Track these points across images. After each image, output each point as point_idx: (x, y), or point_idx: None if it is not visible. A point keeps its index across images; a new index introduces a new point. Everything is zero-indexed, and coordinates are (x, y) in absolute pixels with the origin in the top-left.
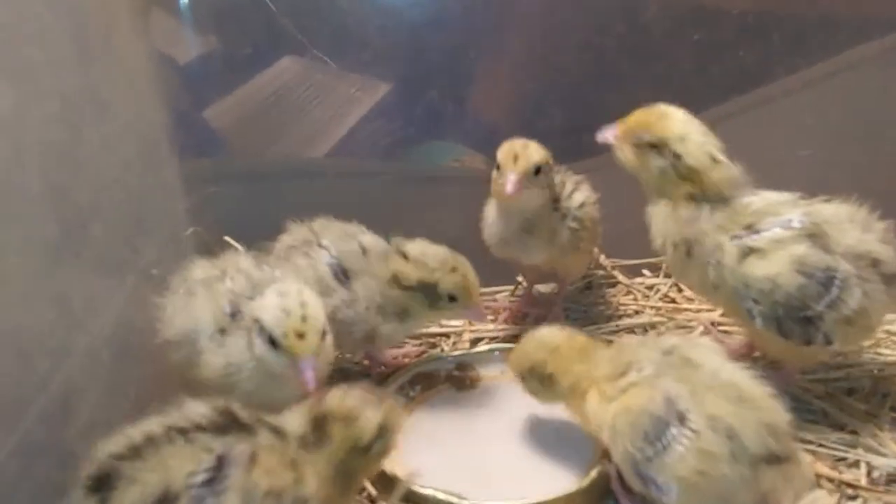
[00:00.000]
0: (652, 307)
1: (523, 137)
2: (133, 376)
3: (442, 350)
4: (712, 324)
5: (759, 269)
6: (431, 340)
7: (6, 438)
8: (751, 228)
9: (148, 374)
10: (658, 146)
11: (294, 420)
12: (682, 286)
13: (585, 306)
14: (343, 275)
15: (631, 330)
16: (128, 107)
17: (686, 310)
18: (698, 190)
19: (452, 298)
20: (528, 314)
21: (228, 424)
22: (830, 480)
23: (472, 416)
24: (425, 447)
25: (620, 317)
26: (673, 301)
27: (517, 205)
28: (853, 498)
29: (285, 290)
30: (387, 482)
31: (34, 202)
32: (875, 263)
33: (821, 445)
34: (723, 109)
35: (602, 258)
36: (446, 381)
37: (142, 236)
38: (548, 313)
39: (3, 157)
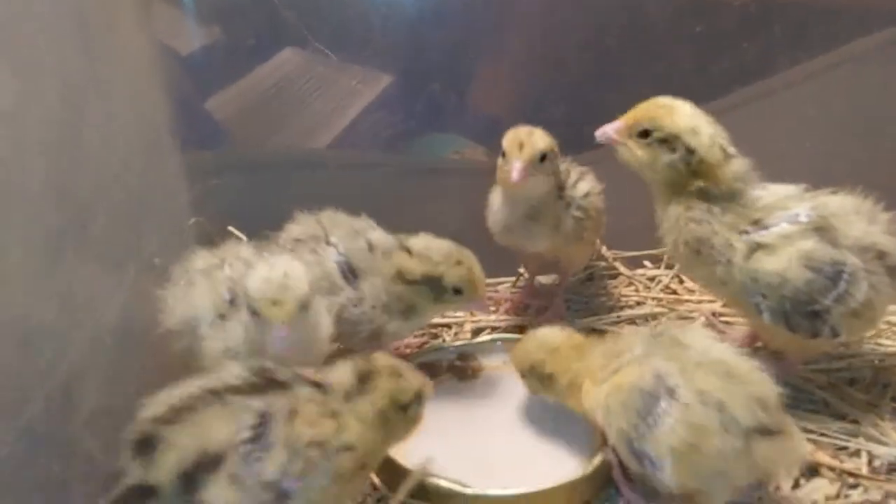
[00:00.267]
0: (653, 298)
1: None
2: (136, 366)
3: (443, 340)
4: (714, 314)
5: (767, 264)
6: (433, 331)
7: (9, 427)
8: (759, 224)
9: (151, 364)
10: (668, 140)
11: (339, 373)
12: (684, 277)
13: (587, 297)
14: (351, 273)
15: (632, 321)
16: (130, 98)
17: (687, 301)
18: (710, 185)
19: (458, 291)
20: (530, 305)
21: (266, 383)
22: (832, 469)
23: (474, 405)
24: (428, 436)
25: (622, 308)
26: (674, 292)
27: (523, 192)
28: (854, 486)
29: (274, 262)
30: (392, 472)
31: (37, 192)
32: (881, 255)
33: (822, 435)
34: (725, 102)
35: (603, 249)
36: (448, 371)
37: (144, 227)
38: (549, 304)
39: (5, 146)
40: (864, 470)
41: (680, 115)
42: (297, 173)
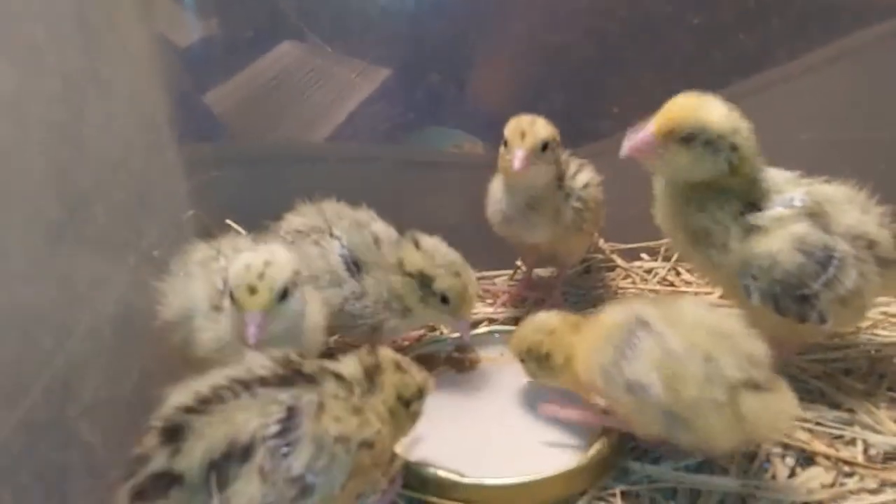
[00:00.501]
0: (650, 290)
1: None
2: (136, 357)
3: (441, 332)
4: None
5: (760, 245)
6: (431, 323)
7: (9, 415)
8: (754, 206)
9: (151, 355)
10: (713, 142)
11: (348, 367)
12: (681, 269)
13: (584, 290)
14: (355, 266)
15: None
16: (129, 89)
17: (684, 293)
18: (741, 179)
19: (444, 300)
20: (528, 297)
21: (292, 376)
22: (827, 458)
23: (471, 396)
24: (426, 427)
25: (619, 300)
26: (671, 284)
27: (524, 181)
28: (850, 475)
29: (259, 248)
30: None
31: (36, 182)
32: (871, 245)
33: (818, 424)
34: (723, 94)
35: (601, 242)
36: (446, 363)
37: (143, 218)
38: (547, 297)
39: (5, 136)
40: (860, 458)
41: (719, 113)
42: (295, 166)
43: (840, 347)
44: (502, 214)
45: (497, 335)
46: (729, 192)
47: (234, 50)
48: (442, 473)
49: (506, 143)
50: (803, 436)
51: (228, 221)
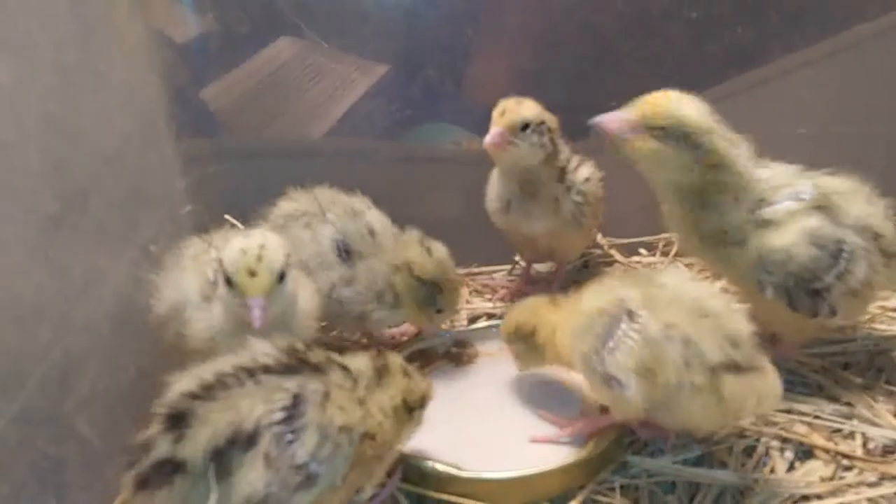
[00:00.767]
0: None
1: None
2: (133, 351)
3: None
4: None
5: (774, 240)
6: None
7: (5, 408)
8: (765, 202)
9: (148, 349)
10: (684, 136)
11: (359, 362)
12: (679, 265)
13: (583, 285)
14: (346, 253)
15: None
16: (126, 84)
17: None
18: (726, 177)
19: (440, 311)
20: (526, 292)
21: (298, 365)
22: (826, 451)
23: (469, 390)
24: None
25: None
26: None
27: (508, 160)
28: (849, 468)
29: (250, 233)
30: None
31: (33, 175)
32: (876, 237)
33: (817, 417)
34: (720, 89)
35: (599, 237)
36: (444, 357)
37: (140, 213)
38: (545, 292)
39: (2, 129)
40: (859, 452)
41: (692, 109)
42: (293, 162)
43: (839, 341)
44: (500, 202)
45: (495, 330)
46: (732, 191)
47: (231, 45)
48: (440, 467)
49: None
50: (802, 429)
51: (227, 217)
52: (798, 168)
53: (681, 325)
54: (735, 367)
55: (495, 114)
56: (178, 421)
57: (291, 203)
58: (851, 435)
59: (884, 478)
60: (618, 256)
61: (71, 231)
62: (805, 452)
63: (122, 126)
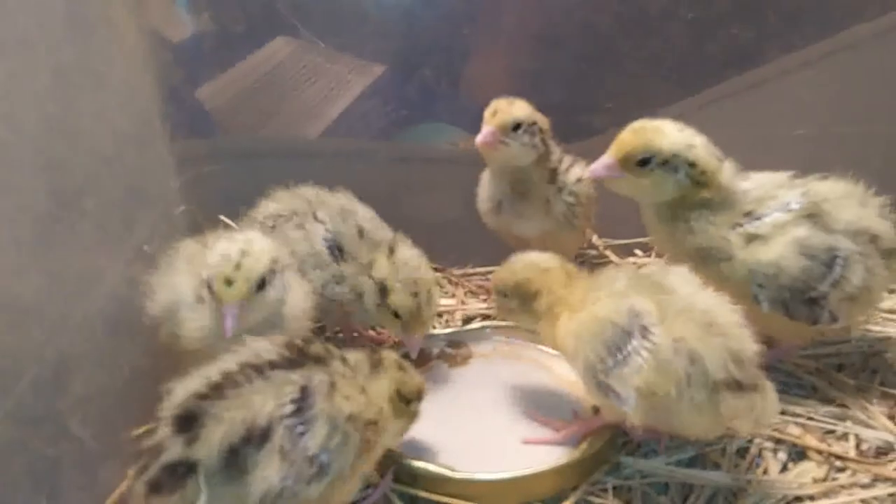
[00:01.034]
0: None
1: None
2: (127, 351)
3: (434, 328)
4: None
5: (762, 254)
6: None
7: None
8: (751, 215)
9: (143, 350)
10: (669, 161)
11: (352, 355)
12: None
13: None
14: (338, 251)
15: None
16: (122, 84)
17: None
18: (711, 192)
19: (396, 315)
20: None
21: (300, 358)
22: (819, 452)
23: (463, 391)
24: (418, 422)
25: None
26: None
27: (499, 159)
28: (842, 470)
29: (236, 237)
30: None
31: (27, 175)
32: (873, 239)
33: (810, 419)
34: (719, 88)
35: (594, 238)
36: (438, 358)
37: (135, 213)
38: None
39: None
40: (852, 453)
41: (670, 133)
42: (288, 162)
43: (833, 343)
44: (491, 202)
45: (489, 331)
46: (712, 206)
47: (226, 45)
48: (433, 468)
49: None
50: (795, 431)
51: (221, 217)
52: (787, 175)
53: (689, 339)
54: (735, 386)
55: (487, 113)
56: (189, 422)
57: (276, 204)
58: (845, 436)
59: (877, 479)
60: (613, 257)
61: (65, 231)
62: (798, 454)
63: (118, 126)
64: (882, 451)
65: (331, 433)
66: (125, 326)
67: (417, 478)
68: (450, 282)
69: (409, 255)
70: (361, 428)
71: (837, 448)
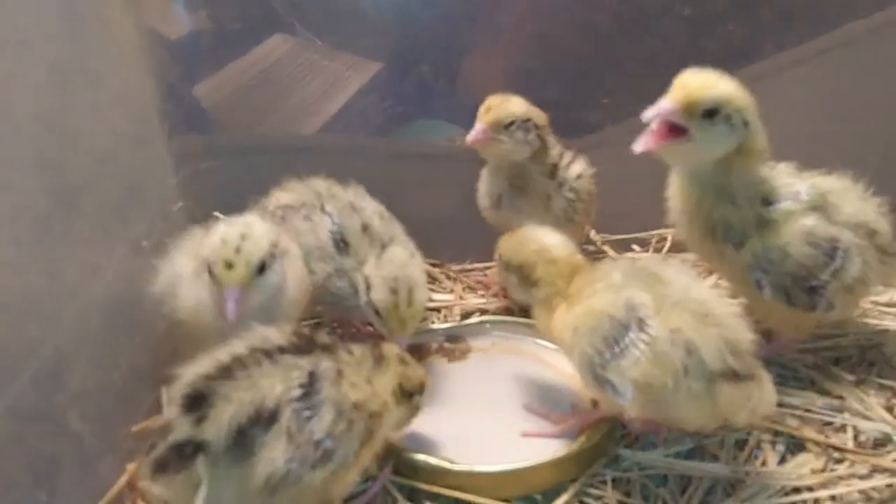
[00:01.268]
0: None
1: None
2: (125, 347)
3: (433, 322)
4: None
5: (771, 240)
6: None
7: None
8: (765, 201)
9: (141, 346)
10: (732, 116)
11: (357, 348)
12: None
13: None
14: (343, 244)
15: None
16: (118, 81)
17: None
18: (751, 163)
19: (377, 313)
20: None
21: (309, 345)
22: (817, 444)
23: (462, 385)
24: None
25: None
26: None
27: (494, 155)
28: (840, 461)
29: (235, 221)
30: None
31: (23, 172)
32: (871, 234)
33: (808, 411)
34: None
35: (592, 233)
36: (437, 352)
37: (132, 210)
38: None
39: None
40: (850, 445)
41: (734, 87)
42: (286, 159)
43: (830, 336)
44: (490, 198)
45: (488, 325)
46: (742, 183)
47: (223, 42)
48: (433, 460)
49: None
50: (793, 422)
51: (216, 214)
52: (792, 167)
53: (685, 330)
54: (733, 376)
55: (481, 110)
56: (198, 402)
57: (286, 193)
58: (843, 428)
59: (875, 470)
60: (611, 253)
61: (62, 228)
62: (796, 445)
63: (115, 123)
64: (880, 443)
65: (336, 419)
66: (123, 323)
67: (417, 470)
68: (448, 277)
69: (398, 252)
70: (366, 417)
71: (835, 439)
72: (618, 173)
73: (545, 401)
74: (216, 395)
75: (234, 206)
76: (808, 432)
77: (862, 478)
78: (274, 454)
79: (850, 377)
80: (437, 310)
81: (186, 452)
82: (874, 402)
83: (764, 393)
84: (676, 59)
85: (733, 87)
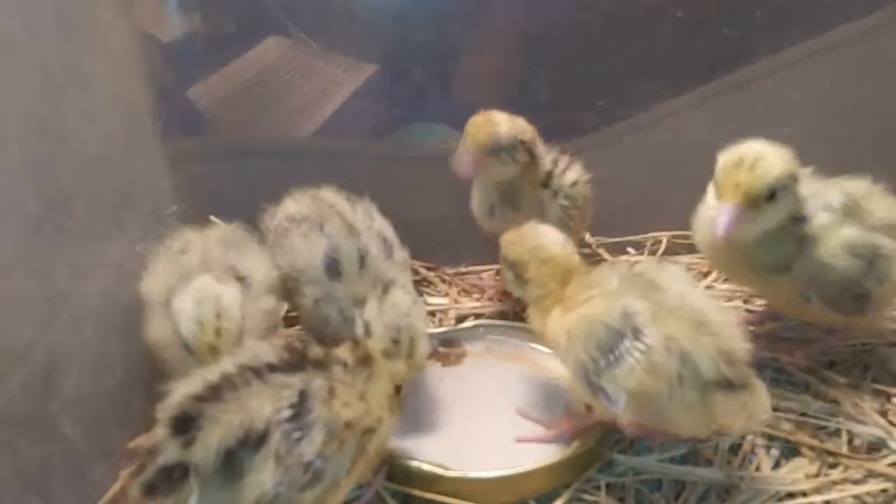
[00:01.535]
0: None
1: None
2: (118, 353)
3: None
4: None
5: (814, 255)
6: None
7: None
8: (796, 219)
9: (134, 350)
10: (789, 185)
11: (342, 354)
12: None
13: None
14: (336, 269)
15: None
16: (111, 83)
17: None
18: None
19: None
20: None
21: (300, 361)
22: (812, 448)
23: (456, 390)
24: (410, 421)
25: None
26: None
27: (482, 176)
28: (834, 465)
29: (202, 295)
30: None
31: (14, 175)
32: None
33: (802, 415)
34: (707, 88)
35: (587, 236)
36: (431, 357)
37: (125, 213)
38: None
39: None
40: (845, 449)
41: (779, 154)
42: (280, 161)
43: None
44: (482, 209)
45: (482, 329)
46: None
47: (217, 45)
48: (426, 466)
49: None
50: (788, 427)
51: (212, 217)
52: (809, 171)
53: (680, 339)
54: (727, 385)
55: (465, 135)
56: (186, 424)
57: (295, 205)
58: (837, 432)
59: (869, 474)
60: (606, 256)
61: (54, 231)
62: (791, 450)
63: (107, 126)
64: (874, 447)
65: (327, 440)
66: (116, 327)
67: (410, 476)
68: (443, 280)
69: (402, 299)
70: (358, 436)
71: (830, 444)
72: (612, 176)
73: (539, 406)
74: (204, 418)
75: (229, 209)
76: (803, 437)
77: (856, 482)
78: (262, 477)
79: (845, 381)
80: (432, 313)
81: (175, 476)
82: (868, 406)
83: (758, 402)
84: (669, 61)
85: (777, 158)
